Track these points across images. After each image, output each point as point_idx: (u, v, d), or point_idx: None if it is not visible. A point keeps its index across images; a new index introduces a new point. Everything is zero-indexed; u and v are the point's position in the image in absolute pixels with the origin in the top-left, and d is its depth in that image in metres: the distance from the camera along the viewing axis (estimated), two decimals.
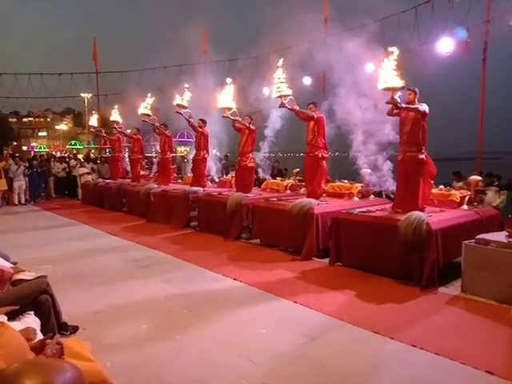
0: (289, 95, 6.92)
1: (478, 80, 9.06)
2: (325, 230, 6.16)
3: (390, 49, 5.26)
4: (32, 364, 0.83)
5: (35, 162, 14.45)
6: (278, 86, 6.91)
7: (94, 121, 13.16)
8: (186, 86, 9.70)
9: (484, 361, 3.08)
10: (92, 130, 13.28)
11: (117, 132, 12.61)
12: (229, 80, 8.50)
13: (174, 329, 3.72)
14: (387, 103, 5.36)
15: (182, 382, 2.89)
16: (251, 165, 8.38)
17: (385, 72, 5.19)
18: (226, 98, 8.38)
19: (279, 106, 7.06)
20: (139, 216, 9.83)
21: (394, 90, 5.19)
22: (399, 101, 5.27)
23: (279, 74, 6.97)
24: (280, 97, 6.88)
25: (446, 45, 8.76)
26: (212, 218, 8.06)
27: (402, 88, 5.28)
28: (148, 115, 10.99)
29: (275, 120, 8.50)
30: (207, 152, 9.75)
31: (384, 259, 5.22)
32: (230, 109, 8.43)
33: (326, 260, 5.90)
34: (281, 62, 7.02)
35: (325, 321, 3.91)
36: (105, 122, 13.21)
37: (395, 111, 5.60)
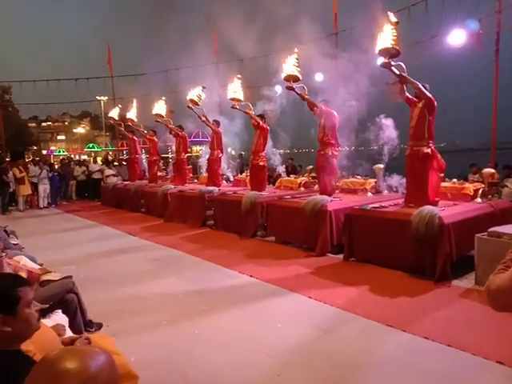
0: (298, 78, 6.94)
1: (492, 70, 8.98)
2: (338, 227, 6.23)
3: (391, 16, 5.30)
4: (70, 350, 0.98)
5: (56, 166, 14.89)
6: (288, 68, 6.92)
7: (114, 113, 13.50)
8: (204, 85, 9.90)
9: (495, 352, 3.14)
10: (112, 121, 13.69)
11: (132, 129, 12.93)
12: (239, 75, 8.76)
13: (193, 324, 3.87)
14: (381, 66, 5.49)
15: (203, 376, 3.03)
16: (262, 163, 8.49)
17: (383, 36, 5.26)
18: (235, 90, 8.57)
19: (286, 87, 7.06)
20: (157, 216, 10.06)
21: (387, 51, 5.24)
22: (393, 64, 5.30)
23: (293, 58, 6.98)
24: (289, 79, 6.90)
25: (457, 37, 8.70)
26: (227, 217, 8.20)
27: (397, 52, 5.31)
28: (161, 116, 11.23)
29: (289, 117, 8.65)
30: (221, 151, 9.92)
31: (397, 254, 5.27)
32: (239, 100, 8.60)
33: (341, 256, 5.98)
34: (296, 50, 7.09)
35: (338, 315, 4.00)
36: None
37: (405, 94, 5.66)
